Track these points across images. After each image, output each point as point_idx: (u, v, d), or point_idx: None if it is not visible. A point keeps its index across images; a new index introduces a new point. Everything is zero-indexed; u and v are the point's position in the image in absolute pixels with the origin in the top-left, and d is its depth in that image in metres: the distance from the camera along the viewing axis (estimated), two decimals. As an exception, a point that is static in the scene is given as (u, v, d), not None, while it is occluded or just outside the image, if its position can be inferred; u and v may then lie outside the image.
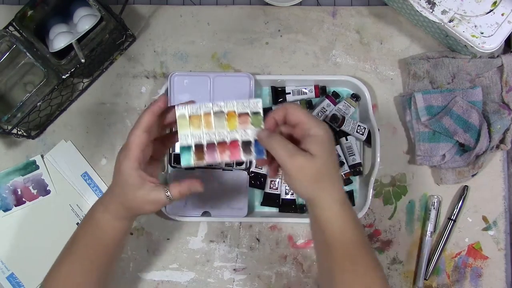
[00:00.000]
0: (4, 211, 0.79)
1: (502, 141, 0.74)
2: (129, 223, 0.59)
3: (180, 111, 0.54)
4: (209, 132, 0.54)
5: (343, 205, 0.52)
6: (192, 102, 0.55)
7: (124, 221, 0.58)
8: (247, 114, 0.54)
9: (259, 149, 0.54)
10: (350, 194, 0.78)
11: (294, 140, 0.53)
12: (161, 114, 0.55)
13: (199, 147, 0.54)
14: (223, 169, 0.76)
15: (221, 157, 0.54)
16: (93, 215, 0.58)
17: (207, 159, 0.54)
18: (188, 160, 0.54)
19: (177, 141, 0.55)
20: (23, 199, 0.79)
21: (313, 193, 0.51)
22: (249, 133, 0.54)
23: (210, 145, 0.54)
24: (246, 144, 0.54)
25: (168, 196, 0.54)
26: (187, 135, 0.54)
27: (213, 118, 0.54)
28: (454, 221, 0.76)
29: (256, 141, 0.54)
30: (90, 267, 0.57)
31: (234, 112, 0.54)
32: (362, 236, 0.53)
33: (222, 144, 0.54)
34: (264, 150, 0.54)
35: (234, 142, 0.54)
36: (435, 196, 0.76)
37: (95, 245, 0.58)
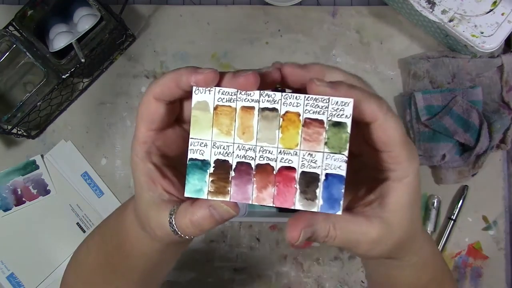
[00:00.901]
0: (4, 211, 0.79)
1: (502, 140, 0.74)
2: (159, 244, 0.36)
3: (201, 96, 0.30)
4: (244, 145, 0.30)
5: (424, 266, 0.38)
6: (222, 75, 0.30)
7: (150, 239, 0.36)
8: (320, 123, 0.29)
9: (331, 195, 0.29)
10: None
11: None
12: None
13: (221, 167, 0.30)
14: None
15: (258, 195, 0.30)
16: (125, 206, 0.40)
17: (234, 194, 0.30)
18: (198, 188, 0.30)
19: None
20: (23, 199, 0.79)
21: (388, 257, 0.34)
22: (319, 160, 0.29)
23: (242, 168, 0.30)
24: (308, 181, 0.29)
25: (171, 225, 0.31)
26: (204, 141, 0.30)
27: (258, 119, 0.30)
28: (454, 220, 0.76)
29: (329, 178, 0.29)
30: (104, 260, 0.42)
31: (299, 114, 0.29)
32: (440, 278, 0.41)
33: (263, 170, 0.30)
34: (342, 199, 0.29)
35: (286, 172, 0.30)
36: (435, 196, 0.76)
37: (116, 245, 0.40)
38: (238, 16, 0.81)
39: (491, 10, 0.69)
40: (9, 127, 0.73)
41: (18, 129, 0.75)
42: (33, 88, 0.71)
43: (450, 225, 0.76)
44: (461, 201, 0.76)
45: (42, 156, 0.80)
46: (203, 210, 0.30)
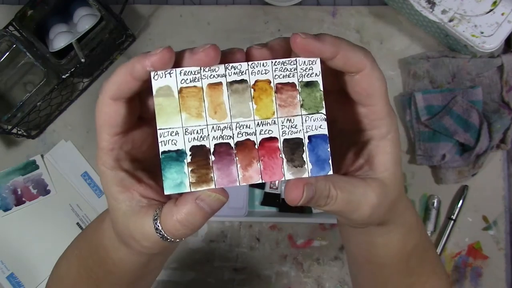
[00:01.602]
0: (4, 211, 0.79)
1: (502, 140, 0.74)
2: (144, 258, 0.35)
3: (161, 81, 0.27)
4: (219, 125, 0.28)
5: (409, 231, 0.37)
6: (179, 55, 0.27)
7: (131, 250, 0.33)
8: (292, 85, 0.28)
9: (319, 156, 0.28)
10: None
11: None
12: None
13: (199, 154, 0.28)
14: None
15: (244, 175, 0.28)
16: (102, 220, 0.37)
17: (218, 179, 0.28)
18: (178, 182, 0.27)
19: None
20: (23, 199, 0.79)
21: (379, 223, 0.34)
22: (299, 124, 0.28)
23: (221, 149, 0.28)
24: (293, 147, 0.28)
25: (158, 231, 0.28)
26: (174, 130, 0.28)
27: (228, 94, 0.28)
28: (454, 220, 0.76)
29: (312, 140, 0.28)
30: (86, 274, 0.39)
31: (269, 81, 0.28)
32: (422, 245, 0.40)
33: (244, 147, 0.28)
34: (330, 159, 0.28)
35: (268, 143, 0.28)
36: (435, 196, 0.76)
37: (97, 261, 0.38)
38: (238, 16, 0.81)
39: (491, 10, 0.69)
40: (9, 127, 0.73)
41: (18, 129, 0.75)
42: (33, 88, 0.71)
43: (450, 225, 0.76)
44: (461, 201, 0.76)
45: (42, 156, 0.80)
46: (190, 206, 0.27)
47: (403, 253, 0.38)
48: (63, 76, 0.72)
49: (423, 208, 0.77)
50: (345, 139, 0.33)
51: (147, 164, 0.31)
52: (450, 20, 0.70)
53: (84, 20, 0.72)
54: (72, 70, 0.72)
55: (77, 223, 0.79)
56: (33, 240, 0.79)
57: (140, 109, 0.30)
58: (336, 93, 0.30)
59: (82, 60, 0.70)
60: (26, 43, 0.71)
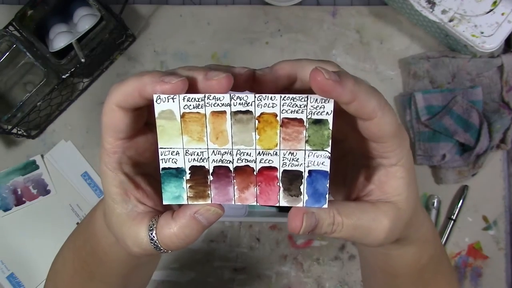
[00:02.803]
0: (4, 211, 0.79)
1: (502, 140, 0.74)
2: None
3: (164, 105, 0.28)
4: (220, 150, 0.28)
5: (425, 243, 0.37)
6: (188, 75, 0.28)
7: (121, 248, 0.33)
8: (300, 122, 0.28)
9: (316, 190, 0.28)
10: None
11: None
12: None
13: (198, 173, 0.29)
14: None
15: (240, 196, 0.29)
16: (94, 209, 0.38)
17: (215, 196, 0.29)
18: (176, 195, 0.29)
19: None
20: (23, 199, 0.79)
21: (392, 242, 0.32)
22: (300, 158, 0.28)
23: (220, 171, 0.29)
24: (291, 178, 0.28)
25: (153, 241, 0.29)
26: (175, 150, 0.28)
27: (231, 123, 0.28)
28: (454, 220, 0.76)
29: (313, 174, 0.28)
30: (80, 266, 0.40)
31: (275, 115, 0.27)
32: (438, 257, 0.40)
33: (243, 172, 0.29)
34: (327, 193, 0.28)
35: (267, 172, 0.28)
36: (435, 196, 0.76)
37: (89, 251, 0.38)
38: (238, 16, 0.81)
39: (491, 10, 0.69)
40: (9, 127, 0.73)
41: (18, 129, 0.75)
42: (33, 88, 0.71)
43: (450, 225, 0.76)
44: (461, 201, 0.76)
45: (42, 156, 0.80)
46: (187, 219, 0.28)
47: (417, 265, 0.38)
48: (63, 76, 0.72)
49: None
50: (354, 160, 0.32)
51: (147, 169, 0.32)
52: (450, 20, 0.70)
53: (84, 20, 0.72)
54: (72, 70, 0.72)
55: (77, 223, 0.79)
56: (33, 240, 0.79)
57: (147, 115, 0.31)
58: (348, 114, 0.29)
59: (82, 60, 0.70)
60: (26, 43, 0.71)
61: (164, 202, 0.28)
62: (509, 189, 0.77)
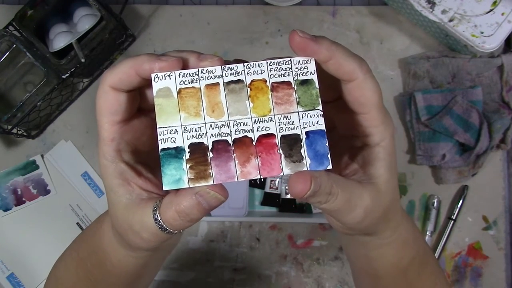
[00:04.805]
0: (4, 211, 0.79)
1: (502, 140, 0.74)
2: (139, 255, 0.35)
3: (161, 83, 0.29)
4: (217, 123, 0.29)
5: (404, 244, 0.37)
6: (181, 56, 0.29)
7: (130, 251, 0.34)
8: (288, 84, 0.29)
9: (317, 151, 0.28)
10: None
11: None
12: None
13: (197, 151, 0.28)
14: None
15: (242, 171, 0.28)
16: (101, 221, 0.38)
17: (217, 175, 0.28)
18: (176, 178, 0.28)
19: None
20: (23, 199, 0.79)
21: (372, 231, 0.34)
22: (295, 121, 0.29)
23: (219, 146, 0.29)
24: (291, 143, 0.29)
25: (157, 221, 0.29)
26: (173, 128, 0.29)
27: (225, 94, 0.29)
28: (454, 220, 0.76)
29: (310, 135, 0.29)
30: (84, 276, 0.40)
31: (265, 81, 0.29)
32: (420, 259, 0.40)
33: (242, 144, 0.29)
34: (329, 153, 0.28)
35: (266, 140, 0.29)
36: (435, 196, 0.76)
37: (95, 263, 0.38)
38: (238, 16, 0.81)
39: (491, 10, 0.69)
40: (9, 127, 0.73)
41: (18, 129, 0.75)
42: (33, 88, 0.71)
43: (450, 225, 0.76)
44: (461, 201, 0.76)
45: (42, 156, 0.80)
46: (188, 199, 0.28)
47: (399, 266, 0.38)
48: (63, 76, 0.72)
49: (423, 208, 0.77)
50: (344, 145, 0.33)
51: (146, 157, 0.32)
52: (450, 20, 0.70)
53: (84, 20, 0.72)
54: (72, 70, 0.72)
55: (77, 223, 0.79)
56: (33, 240, 0.79)
57: (139, 100, 0.31)
58: (335, 102, 0.31)
59: (82, 60, 0.70)
60: (26, 43, 0.71)
61: (164, 188, 0.28)
62: (509, 189, 0.77)
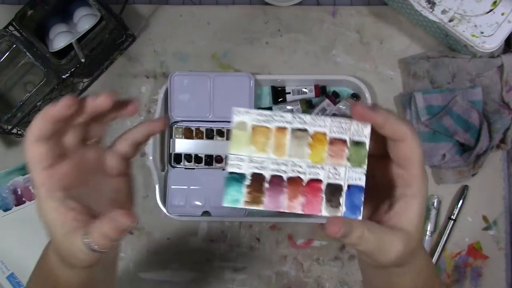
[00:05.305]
0: (4, 211, 0.79)
1: (502, 140, 0.74)
2: (84, 272, 0.39)
3: (239, 117, 0.34)
4: (277, 160, 0.34)
5: (420, 270, 0.41)
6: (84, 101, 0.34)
7: (76, 270, 0.39)
8: (343, 142, 0.34)
9: (353, 203, 0.34)
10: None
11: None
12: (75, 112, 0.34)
13: (257, 180, 0.34)
14: (223, 169, 0.76)
15: (289, 204, 0.34)
16: (48, 249, 0.44)
17: (267, 203, 0.34)
18: (235, 198, 0.34)
19: (131, 113, 0.36)
20: (23, 199, 0.79)
21: (399, 264, 0.37)
22: (342, 173, 0.34)
23: (275, 180, 0.34)
24: (333, 191, 0.34)
25: (87, 244, 0.33)
26: (242, 157, 0.34)
27: (290, 138, 0.34)
28: (454, 220, 0.76)
29: (351, 188, 0.34)
30: None
31: (325, 134, 0.34)
32: (430, 280, 0.43)
33: (294, 182, 0.34)
34: (362, 206, 0.34)
35: (314, 184, 0.34)
36: (435, 196, 0.76)
37: (48, 284, 0.44)
38: (238, 16, 0.81)
39: (491, 10, 0.69)
40: (9, 127, 0.73)
41: (18, 129, 0.75)
42: (33, 88, 0.71)
43: (450, 225, 0.75)
44: (461, 201, 0.76)
45: (42, 156, 0.80)
46: (107, 224, 0.33)
47: None
48: (63, 76, 0.72)
49: (423, 208, 0.77)
50: (379, 192, 0.38)
51: (75, 192, 0.36)
52: (450, 20, 0.70)
53: (84, 20, 0.72)
54: (72, 70, 0.72)
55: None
56: (33, 240, 0.79)
57: (61, 146, 0.36)
58: (377, 157, 0.36)
59: (82, 60, 0.70)
60: (26, 43, 0.71)
61: (224, 204, 0.33)
62: (509, 189, 0.77)
